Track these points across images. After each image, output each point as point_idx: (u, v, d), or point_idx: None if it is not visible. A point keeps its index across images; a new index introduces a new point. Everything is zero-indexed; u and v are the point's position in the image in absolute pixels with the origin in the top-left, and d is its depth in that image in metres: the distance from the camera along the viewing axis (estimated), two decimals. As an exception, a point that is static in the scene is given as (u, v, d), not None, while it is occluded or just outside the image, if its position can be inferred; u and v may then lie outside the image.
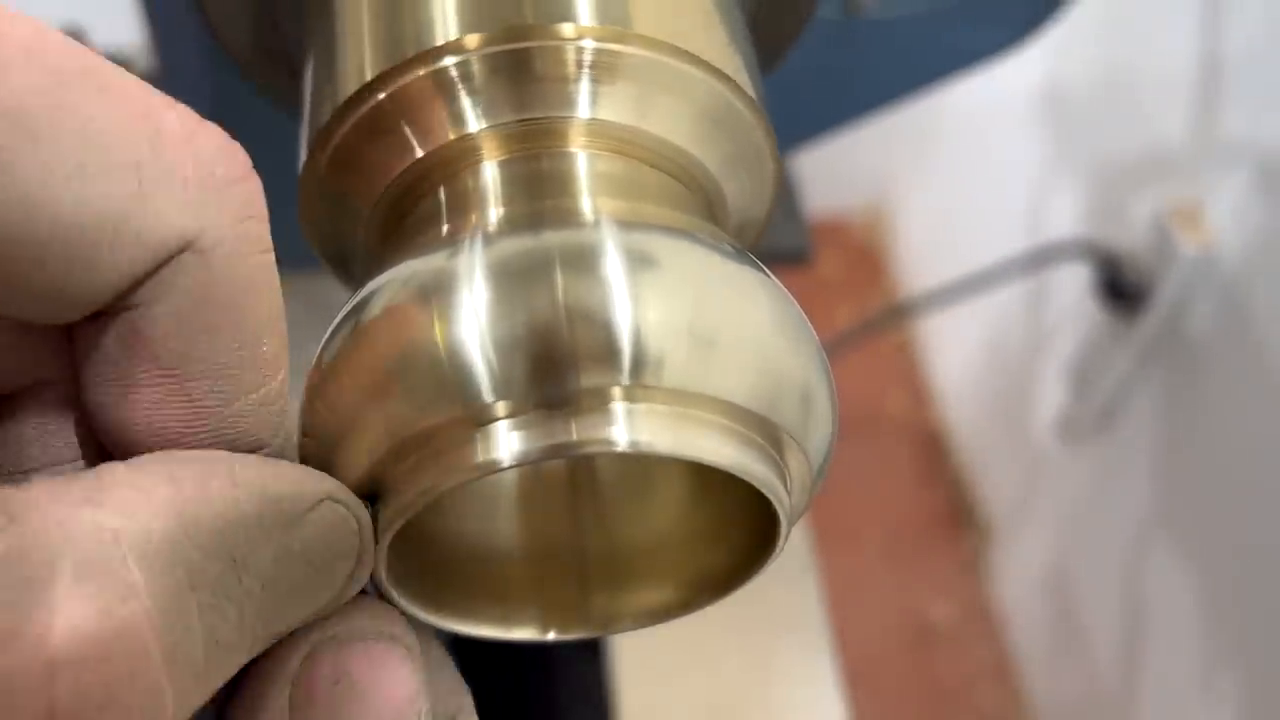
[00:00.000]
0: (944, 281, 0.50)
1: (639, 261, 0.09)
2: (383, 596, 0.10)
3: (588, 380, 0.09)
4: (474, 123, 0.11)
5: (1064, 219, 0.48)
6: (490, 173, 0.11)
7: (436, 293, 0.09)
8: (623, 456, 0.11)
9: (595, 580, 0.11)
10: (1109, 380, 0.45)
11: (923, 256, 0.67)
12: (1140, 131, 0.42)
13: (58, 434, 0.08)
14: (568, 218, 0.10)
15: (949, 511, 0.62)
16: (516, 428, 0.09)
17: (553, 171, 0.11)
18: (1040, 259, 0.46)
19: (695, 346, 0.09)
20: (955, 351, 0.63)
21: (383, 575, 0.10)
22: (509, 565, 0.11)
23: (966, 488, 0.62)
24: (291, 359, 0.10)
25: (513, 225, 0.10)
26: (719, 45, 0.11)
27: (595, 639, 0.18)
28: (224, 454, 0.08)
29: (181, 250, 0.08)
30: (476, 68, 0.11)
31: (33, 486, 0.06)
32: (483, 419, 0.09)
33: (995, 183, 0.56)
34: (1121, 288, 0.42)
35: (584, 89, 0.11)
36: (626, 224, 0.10)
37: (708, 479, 0.11)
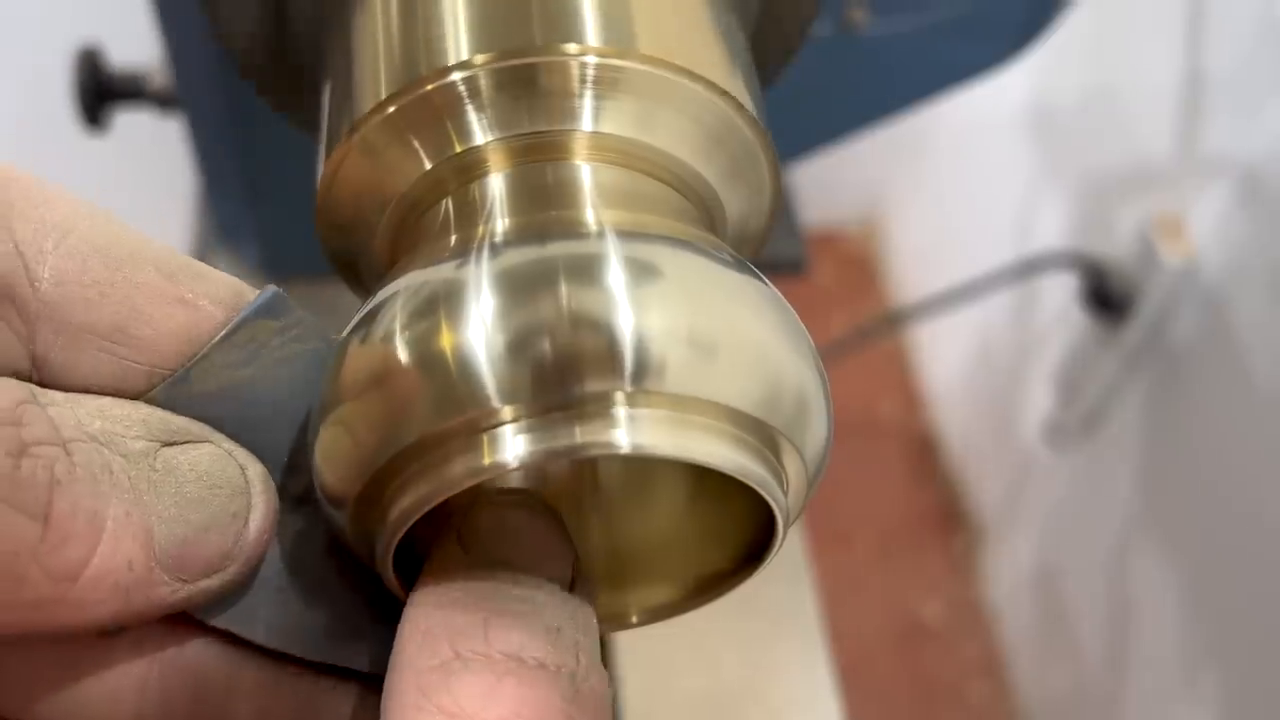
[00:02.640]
0: (935, 290, 0.50)
1: (641, 271, 0.09)
2: (391, 594, 0.10)
3: (591, 385, 0.09)
4: (481, 136, 0.11)
5: (1051, 230, 0.49)
6: (497, 184, 0.11)
7: (445, 301, 0.09)
8: (625, 459, 0.11)
9: (599, 579, 0.11)
10: (1095, 386, 0.45)
11: (915, 266, 0.67)
12: (1125, 146, 0.43)
13: None
14: (572, 228, 0.10)
15: (940, 513, 0.63)
16: (522, 431, 0.09)
17: (557, 183, 0.11)
18: (1028, 269, 0.47)
19: (695, 353, 0.09)
20: (946, 358, 0.64)
21: (390, 574, 0.10)
22: (515, 564, 0.11)
23: (957, 490, 0.63)
24: (302, 364, 0.10)
25: (519, 235, 0.10)
26: (720, 62, 0.12)
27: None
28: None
29: None
30: (484, 83, 0.11)
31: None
32: (489, 423, 0.09)
33: (985, 195, 0.57)
34: (1107, 297, 0.43)
35: (588, 103, 0.11)
36: (629, 234, 0.10)
37: (707, 481, 0.11)
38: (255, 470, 0.10)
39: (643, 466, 0.12)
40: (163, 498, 0.09)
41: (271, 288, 0.10)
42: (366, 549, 0.10)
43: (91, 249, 0.09)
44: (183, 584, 0.09)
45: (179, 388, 0.09)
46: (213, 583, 0.09)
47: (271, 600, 0.10)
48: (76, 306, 0.09)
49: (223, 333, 0.10)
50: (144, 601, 0.08)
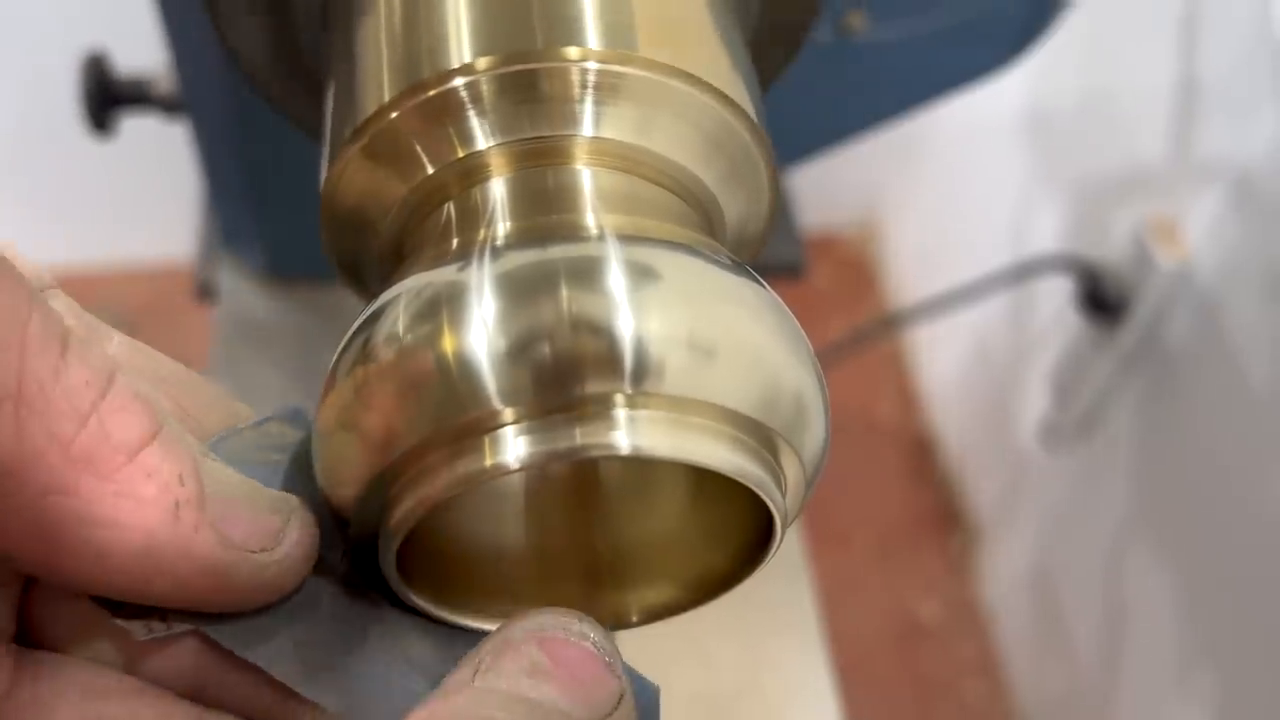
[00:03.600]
0: (932, 293, 0.51)
1: (641, 274, 0.10)
2: (395, 592, 0.10)
3: (591, 387, 0.09)
4: (483, 141, 0.11)
5: (1047, 234, 0.49)
6: (498, 188, 0.11)
7: (447, 304, 0.09)
8: (625, 460, 0.11)
9: (600, 579, 0.12)
10: (1090, 388, 0.45)
11: (912, 269, 0.68)
12: (1120, 149, 0.43)
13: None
14: (572, 232, 0.10)
15: (937, 513, 0.63)
16: (524, 433, 0.09)
17: (558, 187, 0.11)
18: (1024, 272, 0.47)
19: (694, 355, 0.09)
20: (943, 360, 0.64)
21: (394, 572, 0.10)
22: (517, 564, 0.12)
23: (954, 491, 0.63)
24: (306, 366, 0.11)
25: (520, 239, 0.10)
26: (719, 67, 0.12)
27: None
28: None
29: None
30: (486, 89, 0.11)
31: None
32: (491, 425, 0.09)
33: (981, 199, 0.58)
34: (1102, 300, 0.43)
35: (588, 109, 0.11)
36: (629, 238, 0.10)
37: (707, 482, 0.11)
38: (290, 496, 0.10)
39: (643, 467, 0.12)
40: (208, 465, 0.09)
41: (295, 404, 0.11)
42: (370, 549, 0.10)
43: (143, 346, 0.10)
44: (225, 542, 0.09)
45: (218, 447, 0.10)
46: (259, 559, 0.09)
47: (299, 644, 0.10)
48: (138, 359, 0.10)
49: (255, 420, 0.10)
50: (189, 537, 0.08)
